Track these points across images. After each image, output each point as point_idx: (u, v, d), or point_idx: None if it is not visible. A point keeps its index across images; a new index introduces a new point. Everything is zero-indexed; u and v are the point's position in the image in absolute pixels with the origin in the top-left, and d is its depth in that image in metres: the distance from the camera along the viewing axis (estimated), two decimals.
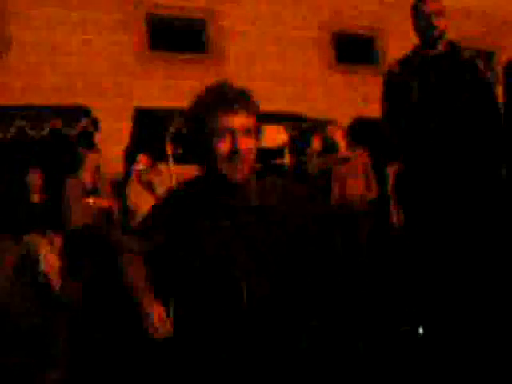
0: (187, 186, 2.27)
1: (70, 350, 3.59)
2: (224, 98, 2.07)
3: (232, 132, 2.05)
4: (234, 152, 2.06)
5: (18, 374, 3.57)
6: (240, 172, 2.09)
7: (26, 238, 5.83)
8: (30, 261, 5.28)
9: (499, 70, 3.60)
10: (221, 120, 2.06)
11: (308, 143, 7.73)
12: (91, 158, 6.72)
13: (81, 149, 6.93)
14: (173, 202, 2.23)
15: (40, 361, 3.49)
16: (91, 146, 7.68)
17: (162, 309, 2.10)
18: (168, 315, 2.11)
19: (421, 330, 3.40)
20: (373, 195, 6.53)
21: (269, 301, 2.12)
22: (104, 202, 6.50)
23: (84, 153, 6.78)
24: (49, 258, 5.53)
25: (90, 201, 6.41)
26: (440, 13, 3.41)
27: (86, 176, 6.63)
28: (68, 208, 6.34)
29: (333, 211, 6.38)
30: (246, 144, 2.07)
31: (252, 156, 2.11)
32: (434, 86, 3.44)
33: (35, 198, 6.73)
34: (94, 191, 6.58)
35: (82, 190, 6.47)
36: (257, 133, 2.14)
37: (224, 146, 2.06)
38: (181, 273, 2.15)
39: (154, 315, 2.08)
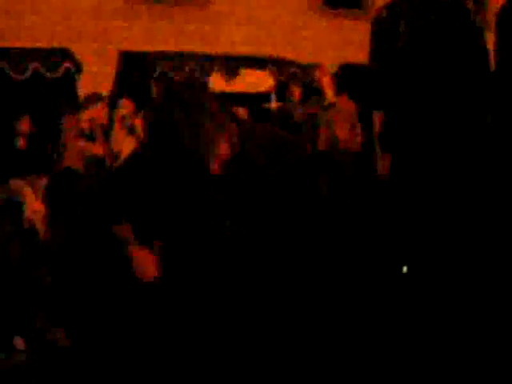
0: None
1: (54, 296, 3.61)
2: None
3: None
4: None
5: (1, 319, 3.60)
6: None
7: (10, 183, 5.79)
8: (13, 206, 5.26)
9: (490, 13, 3.55)
10: None
11: (290, 91, 7.70)
12: (100, 109, 6.51)
13: (91, 94, 6.73)
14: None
15: (22, 307, 3.50)
16: (74, 89, 7.56)
17: (147, 251, 2.14)
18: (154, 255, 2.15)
19: (404, 269, 3.44)
20: (358, 143, 6.55)
21: (253, 238, 2.14)
22: (97, 149, 6.41)
23: (96, 100, 6.56)
24: (33, 203, 5.50)
25: (84, 146, 6.32)
26: None
27: (85, 120, 6.50)
28: (63, 146, 6.25)
29: (319, 155, 6.40)
30: None
31: None
32: (421, 30, 3.39)
33: (20, 143, 6.65)
34: (90, 137, 6.48)
35: (78, 132, 6.37)
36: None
37: None
38: (165, 214, 2.17)
39: (141, 257, 2.12)
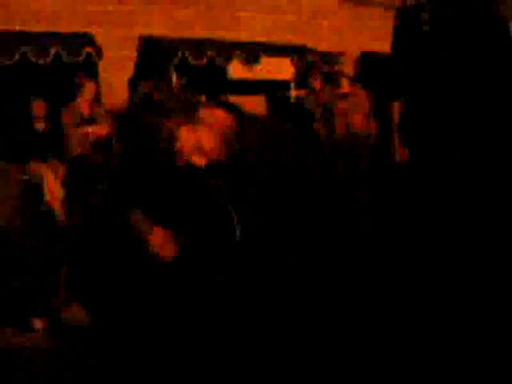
0: None
1: (71, 278, 3.64)
2: None
3: None
4: None
5: (20, 300, 3.64)
6: None
7: (30, 166, 5.85)
8: (33, 189, 5.31)
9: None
10: None
11: (310, 79, 7.69)
12: (88, 87, 6.68)
13: (79, 78, 6.86)
14: None
15: (42, 288, 3.54)
16: (95, 74, 7.61)
17: (163, 231, 2.14)
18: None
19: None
20: (373, 133, 6.56)
21: (262, 232, 2.14)
22: (102, 131, 6.47)
23: (82, 82, 6.73)
24: (52, 186, 5.56)
25: (88, 130, 6.40)
26: None
27: (84, 105, 6.61)
28: (66, 137, 6.38)
29: (336, 144, 6.40)
30: None
31: None
32: (446, 18, 3.37)
33: (39, 126, 6.71)
34: (91, 120, 6.56)
35: (80, 119, 6.47)
36: None
37: None
38: (175, 211, 2.18)
39: (157, 235, 2.13)
